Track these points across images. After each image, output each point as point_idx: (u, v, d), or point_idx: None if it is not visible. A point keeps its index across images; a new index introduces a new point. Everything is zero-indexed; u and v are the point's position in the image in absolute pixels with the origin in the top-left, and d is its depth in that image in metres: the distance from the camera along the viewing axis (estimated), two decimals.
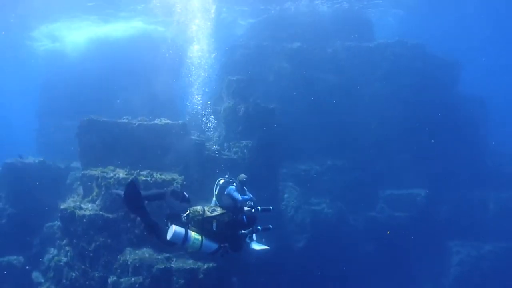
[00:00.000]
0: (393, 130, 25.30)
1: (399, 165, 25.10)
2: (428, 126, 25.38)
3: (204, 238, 8.73)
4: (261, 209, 9.77)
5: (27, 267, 19.47)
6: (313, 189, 24.11)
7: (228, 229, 9.02)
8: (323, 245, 22.02)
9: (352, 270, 21.78)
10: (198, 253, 9.81)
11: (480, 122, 27.78)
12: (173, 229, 8.40)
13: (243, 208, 9.57)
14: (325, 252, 21.81)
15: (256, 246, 9.74)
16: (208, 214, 9.05)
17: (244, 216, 9.29)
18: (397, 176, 24.94)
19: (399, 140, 25.19)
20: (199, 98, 23.59)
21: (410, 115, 25.37)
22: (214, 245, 8.89)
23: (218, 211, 9.20)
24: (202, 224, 8.89)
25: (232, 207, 9.54)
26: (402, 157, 25.26)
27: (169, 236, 8.40)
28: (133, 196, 8.69)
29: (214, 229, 8.89)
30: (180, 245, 8.79)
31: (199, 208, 9.19)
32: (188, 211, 9.02)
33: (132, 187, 8.72)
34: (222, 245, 8.98)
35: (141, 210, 8.84)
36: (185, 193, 9.73)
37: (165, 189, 13.23)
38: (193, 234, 8.60)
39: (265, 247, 9.81)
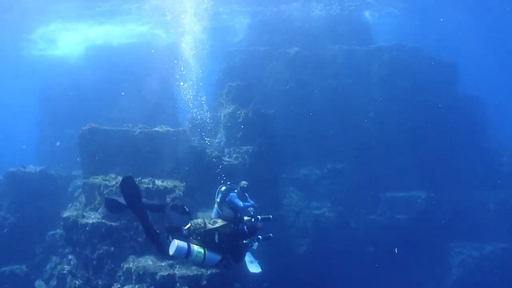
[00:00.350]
0: (392, 132, 25.42)
1: (399, 168, 25.23)
2: (428, 128, 25.49)
3: (206, 251, 8.69)
4: (261, 218, 9.77)
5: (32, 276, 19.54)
6: (313, 193, 24.25)
7: (230, 240, 8.99)
8: (325, 249, 22.11)
9: (354, 273, 21.82)
10: (201, 265, 9.75)
11: (479, 123, 27.86)
12: (176, 244, 8.34)
13: (243, 218, 9.56)
14: (327, 256, 21.88)
15: (251, 268, 9.72)
16: (210, 226, 9.01)
17: (245, 226, 9.26)
18: (398, 178, 25.05)
19: (398, 142, 25.29)
20: (200, 103, 23.70)
21: (409, 118, 25.48)
22: (217, 257, 8.86)
23: (219, 222, 9.17)
24: (204, 236, 8.84)
25: (232, 218, 9.52)
26: (402, 159, 25.36)
27: (171, 251, 8.35)
28: (131, 187, 8.62)
29: (216, 241, 8.85)
30: (183, 259, 8.74)
31: (200, 220, 9.16)
32: (189, 224, 8.98)
33: (128, 180, 8.67)
34: (224, 256, 8.95)
35: (140, 205, 8.76)
36: (185, 207, 9.72)
37: (166, 202, 13.29)
38: (195, 248, 8.55)
39: (258, 270, 9.80)
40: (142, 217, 8.78)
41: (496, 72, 55.22)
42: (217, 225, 9.07)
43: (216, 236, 8.88)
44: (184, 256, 8.46)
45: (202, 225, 9.01)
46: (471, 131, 26.59)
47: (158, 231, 9.02)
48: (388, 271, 22.15)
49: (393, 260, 22.18)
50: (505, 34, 43.92)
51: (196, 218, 15.04)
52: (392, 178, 25.08)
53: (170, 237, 8.70)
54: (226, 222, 9.17)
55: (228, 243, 8.95)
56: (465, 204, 24.82)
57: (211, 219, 9.31)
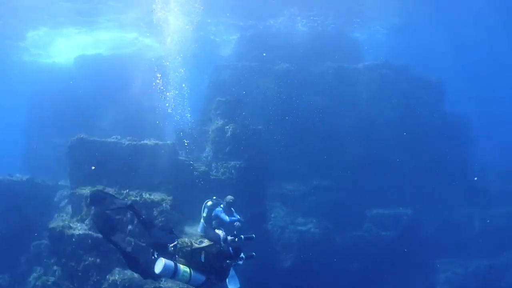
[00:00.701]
0: (379, 150, 25.56)
1: (385, 185, 25.29)
2: (414, 146, 25.72)
3: (192, 271, 8.68)
4: (244, 237, 9.80)
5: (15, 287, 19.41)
6: (300, 209, 24.29)
7: (216, 261, 9.00)
8: (310, 265, 22.15)
9: None
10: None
11: (466, 141, 28.18)
12: (163, 262, 8.25)
13: (227, 238, 9.55)
14: (312, 271, 21.94)
15: (230, 284, 9.73)
16: (196, 245, 8.99)
17: (230, 248, 9.28)
18: (384, 195, 25.12)
19: (385, 159, 25.47)
20: (187, 117, 23.79)
21: (396, 135, 25.67)
22: (202, 277, 8.82)
23: (206, 242, 9.18)
24: (191, 255, 8.82)
25: (217, 238, 9.51)
26: (388, 176, 25.47)
27: (158, 269, 8.30)
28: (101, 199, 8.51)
29: (203, 260, 8.84)
30: (168, 278, 8.68)
31: (186, 239, 9.14)
32: (176, 242, 8.96)
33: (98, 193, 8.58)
34: (208, 277, 8.95)
35: (116, 237, 8.61)
36: (172, 230, 9.71)
37: (156, 222, 13.31)
38: (182, 267, 8.53)
39: (237, 286, 9.83)
40: (119, 248, 8.66)
41: (483, 91, 55.88)
42: (203, 244, 9.04)
43: (203, 256, 8.87)
44: (171, 275, 8.41)
45: (189, 244, 9.00)
46: (457, 150, 26.87)
47: (136, 255, 8.95)
48: None
49: (378, 277, 22.29)
50: (491, 51, 44.58)
51: (182, 232, 15.16)
52: (378, 195, 25.15)
53: (155, 254, 8.66)
54: (212, 242, 9.19)
55: (214, 263, 8.96)
56: (451, 222, 25.06)
57: (197, 239, 9.30)
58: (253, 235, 10.05)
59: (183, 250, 8.81)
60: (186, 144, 22.66)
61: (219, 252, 9.03)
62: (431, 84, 28.52)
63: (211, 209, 12.88)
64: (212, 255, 8.93)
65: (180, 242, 8.90)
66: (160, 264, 8.24)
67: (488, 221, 25.01)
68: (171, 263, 8.34)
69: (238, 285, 9.80)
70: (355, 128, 25.87)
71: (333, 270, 22.48)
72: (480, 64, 48.52)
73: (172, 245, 8.86)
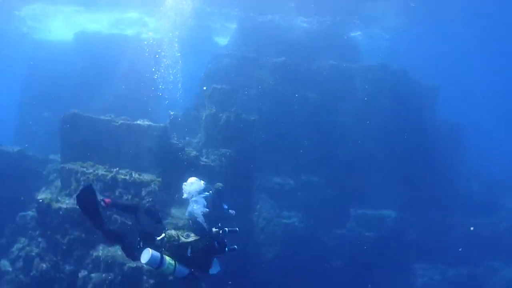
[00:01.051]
0: (369, 151, 25.73)
1: (373, 186, 25.41)
2: (404, 150, 25.88)
3: (177, 264, 8.80)
4: (228, 230, 9.92)
5: None
6: (286, 202, 24.44)
7: (202, 255, 9.14)
8: (292, 258, 22.32)
9: (318, 285, 22.09)
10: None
11: (456, 148, 28.39)
12: (150, 253, 8.33)
13: (212, 230, 9.66)
14: (293, 264, 22.11)
15: (211, 271, 9.88)
16: (183, 239, 9.11)
17: (216, 242, 9.41)
18: (370, 196, 25.27)
19: (374, 161, 25.62)
20: (181, 101, 23.86)
21: (387, 138, 25.82)
22: (186, 271, 8.95)
23: (192, 237, 9.29)
24: (177, 249, 8.95)
25: (203, 230, 9.64)
26: (376, 178, 25.60)
27: (144, 259, 8.38)
28: (89, 200, 8.37)
29: (189, 254, 8.97)
30: (153, 268, 8.79)
31: (173, 232, 9.22)
32: (164, 235, 9.05)
33: (88, 190, 8.44)
34: (192, 271, 9.09)
35: (96, 217, 8.56)
36: (159, 214, 9.77)
37: (140, 204, 13.37)
38: (167, 259, 8.65)
39: (217, 270, 9.96)
40: (99, 226, 8.66)
41: (476, 99, 56.26)
42: (190, 239, 9.19)
43: (189, 250, 9.02)
44: (156, 266, 8.55)
45: (176, 237, 9.13)
46: (446, 156, 27.09)
47: (118, 232, 9.02)
48: (352, 287, 22.43)
49: (358, 276, 22.49)
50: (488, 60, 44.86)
51: (169, 214, 15.25)
52: (364, 195, 25.33)
53: (141, 244, 8.75)
54: (199, 237, 9.33)
55: (200, 258, 9.11)
56: (433, 227, 25.18)
57: (184, 232, 9.43)
58: (237, 229, 10.18)
59: (170, 244, 8.95)
60: (170, 118, 22.69)
61: (205, 247, 9.17)
62: (426, 89, 28.75)
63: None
64: (198, 249, 9.07)
65: (167, 235, 9.02)
66: (146, 255, 8.35)
67: (472, 228, 25.18)
68: (157, 254, 8.47)
69: (219, 269, 9.96)
70: (348, 127, 26.06)
71: (315, 265, 22.69)
72: (477, 71, 48.87)
73: (159, 238, 8.99)
